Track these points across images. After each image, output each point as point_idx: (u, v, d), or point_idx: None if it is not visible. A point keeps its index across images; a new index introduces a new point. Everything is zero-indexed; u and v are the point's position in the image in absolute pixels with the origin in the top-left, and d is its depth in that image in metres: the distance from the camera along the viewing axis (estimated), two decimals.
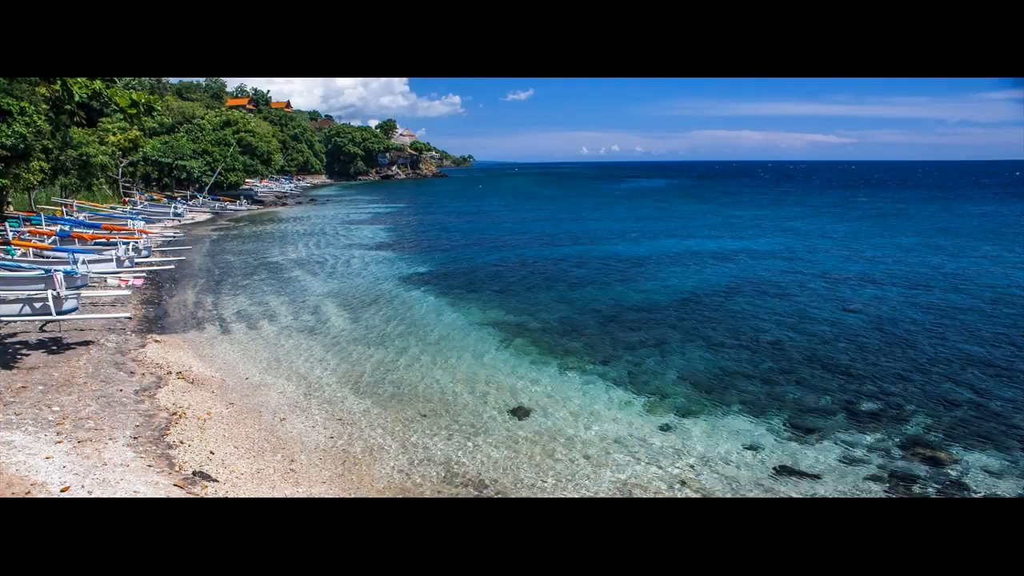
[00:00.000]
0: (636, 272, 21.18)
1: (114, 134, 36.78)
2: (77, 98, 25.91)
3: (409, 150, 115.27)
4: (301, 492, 6.86)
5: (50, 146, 24.10)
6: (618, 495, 7.06)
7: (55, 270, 11.61)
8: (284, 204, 52.97)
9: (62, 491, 5.88)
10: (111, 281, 14.99)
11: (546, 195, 71.35)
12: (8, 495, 5.60)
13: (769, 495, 7.08)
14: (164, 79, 77.00)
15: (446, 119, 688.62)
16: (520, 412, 9.37)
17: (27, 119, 20.97)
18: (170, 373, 10.08)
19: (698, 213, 45.45)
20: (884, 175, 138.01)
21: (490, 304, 16.34)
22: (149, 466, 6.79)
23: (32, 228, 19.95)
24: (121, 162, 38.33)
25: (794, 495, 7.09)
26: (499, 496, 6.99)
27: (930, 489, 7.25)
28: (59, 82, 22.05)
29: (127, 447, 7.18)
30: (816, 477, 7.51)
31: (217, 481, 6.76)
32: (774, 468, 7.73)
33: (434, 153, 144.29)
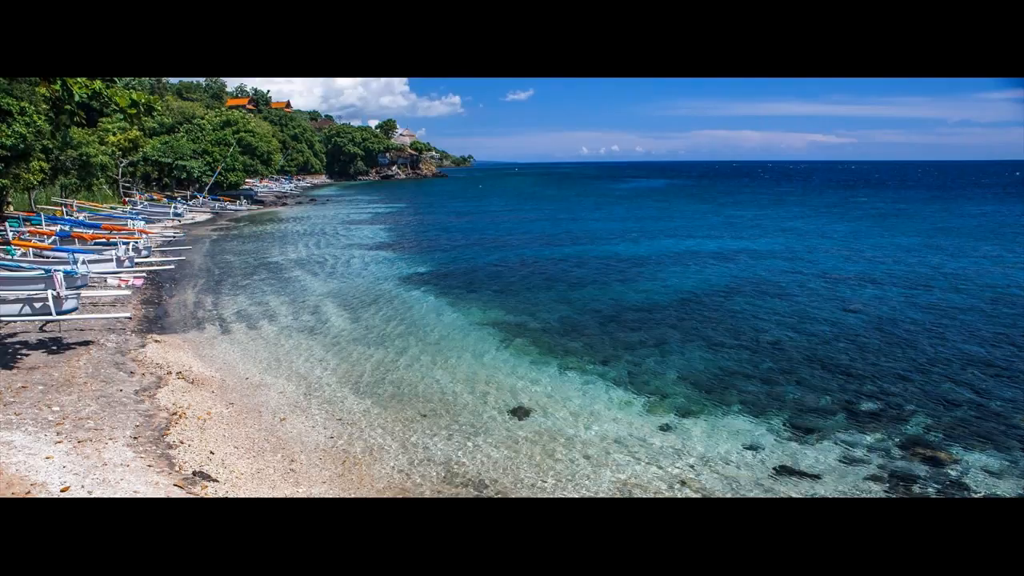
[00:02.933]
0: (636, 272, 21.17)
1: (114, 134, 36.80)
2: (77, 98, 25.87)
3: (409, 150, 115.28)
4: (301, 492, 6.86)
5: (50, 146, 24.10)
6: (618, 495, 7.05)
7: (55, 270, 11.61)
8: (284, 204, 52.96)
9: (62, 491, 5.88)
10: (111, 281, 14.97)
11: (546, 195, 71.34)
12: (8, 495, 5.60)
13: (769, 495, 7.08)
14: (164, 79, 77.07)
15: (446, 119, 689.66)
16: (520, 412, 9.37)
17: (27, 119, 20.98)
18: (170, 373, 10.08)
19: (698, 213, 45.43)
20: (884, 175, 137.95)
21: (490, 304, 16.34)
22: (149, 466, 6.79)
23: (32, 228, 19.96)
24: (121, 162, 38.33)
25: (794, 495, 7.09)
26: (499, 496, 6.99)
27: (930, 489, 7.25)
28: (59, 82, 22.02)
29: (127, 447, 7.18)
30: (816, 477, 7.51)
31: (217, 481, 6.76)
32: (774, 468, 7.72)
33: (434, 153, 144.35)
